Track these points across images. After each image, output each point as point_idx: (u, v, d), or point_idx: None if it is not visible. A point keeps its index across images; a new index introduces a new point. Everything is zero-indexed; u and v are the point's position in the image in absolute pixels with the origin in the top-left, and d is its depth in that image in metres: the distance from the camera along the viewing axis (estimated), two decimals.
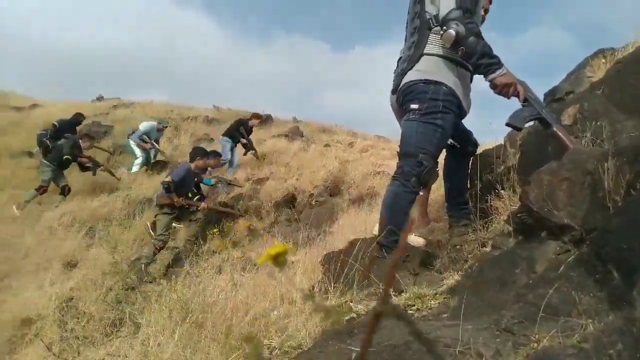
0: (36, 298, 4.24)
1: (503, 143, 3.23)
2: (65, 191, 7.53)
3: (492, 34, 2.30)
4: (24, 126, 10.68)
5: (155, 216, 5.40)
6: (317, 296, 2.14)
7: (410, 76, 2.33)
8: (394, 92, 2.50)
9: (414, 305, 1.76)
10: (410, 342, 1.22)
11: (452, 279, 2.00)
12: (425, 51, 2.32)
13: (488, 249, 2.16)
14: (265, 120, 13.28)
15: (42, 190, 7.34)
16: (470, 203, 2.73)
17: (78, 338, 3.41)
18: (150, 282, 4.46)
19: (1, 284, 4.92)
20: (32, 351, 3.18)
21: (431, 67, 2.30)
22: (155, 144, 9.06)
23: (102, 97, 16.24)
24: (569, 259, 1.51)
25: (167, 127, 9.84)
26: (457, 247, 2.43)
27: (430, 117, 2.25)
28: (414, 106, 2.27)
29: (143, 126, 8.90)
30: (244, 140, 8.38)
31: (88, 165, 7.97)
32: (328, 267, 2.52)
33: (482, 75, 2.28)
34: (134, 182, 7.95)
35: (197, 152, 5.85)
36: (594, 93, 2.56)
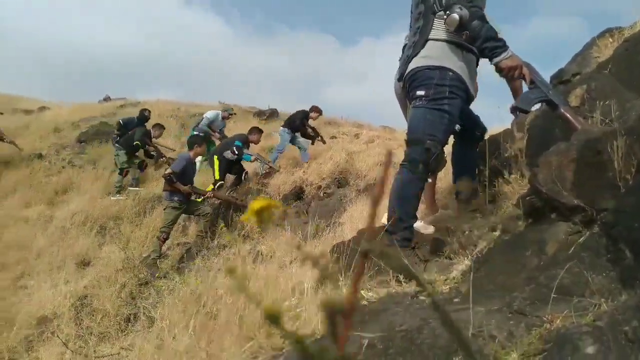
0: (51, 297, 4.29)
1: (510, 127, 3.21)
2: (124, 173, 7.95)
3: (496, 17, 2.26)
4: (34, 129, 10.78)
5: (164, 209, 5.51)
6: (328, 285, 2.15)
7: (416, 62, 2.31)
8: (399, 79, 2.48)
9: (424, 292, 1.76)
10: (422, 327, 1.22)
11: (462, 264, 1.99)
12: (430, 36, 2.30)
13: (497, 233, 2.15)
14: (270, 115, 13.28)
15: (125, 172, 7.90)
16: (479, 188, 2.72)
17: (94, 334, 3.46)
18: (163, 277, 4.51)
19: (17, 284, 4.99)
20: (50, 349, 3.22)
21: (437, 53, 2.28)
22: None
23: (109, 97, 16.33)
24: (580, 240, 1.50)
25: (233, 114, 9.42)
26: (467, 232, 2.42)
27: (437, 103, 2.23)
28: (420, 93, 2.26)
29: (209, 115, 8.61)
30: (310, 131, 8.35)
31: (153, 153, 8.42)
32: (338, 257, 2.53)
33: (488, 59, 2.26)
34: (144, 179, 8.01)
35: (195, 140, 6.08)
36: (601, 73, 2.53)
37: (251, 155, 7.12)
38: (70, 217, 6.63)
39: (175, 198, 5.37)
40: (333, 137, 9.84)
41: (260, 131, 7.64)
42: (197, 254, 4.83)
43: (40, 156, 9.28)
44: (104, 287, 4.27)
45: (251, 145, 7.34)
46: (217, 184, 6.59)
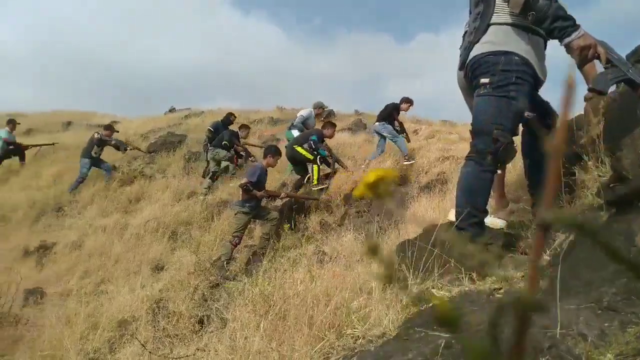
0: (130, 301, 4.52)
1: (584, 112, 3.00)
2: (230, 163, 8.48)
3: None
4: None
5: (235, 214, 5.69)
6: (397, 285, 2.10)
7: (478, 49, 2.20)
8: (460, 68, 2.38)
9: (501, 289, 1.67)
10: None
11: (541, 259, 1.88)
12: (492, 21, 2.19)
13: None
14: (327, 115, 13.32)
15: (215, 177, 8.29)
16: None
17: (170, 336, 3.60)
18: (232, 279, 4.64)
19: (98, 289, 5.32)
20: (130, 350, 3.39)
21: (500, 37, 2.17)
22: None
23: (174, 108, 17.10)
24: None
25: (326, 108, 9.42)
26: None
27: (503, 90, 2.12)
28: (484, 80, 2.15)
29: (303, 113, 8.64)
30: (397, 125, 8.15)
31: (242, 154, 8.84)
32: (404, 255, 2.47)
33: (557, 40, 2.11)
34: (209, 186, 8.29)
35: (268, 151, 6.20)
36: None
37: (325, 151, 7.19)
38: (144, 224, 6.98)
39: (247, 204, 5.55)
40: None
41: (334, 125, 7.69)
42: (263, 255, 4.93)
43: (113, 167, 9.88)
44: (177, 290, 4.45)
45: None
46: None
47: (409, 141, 8.36)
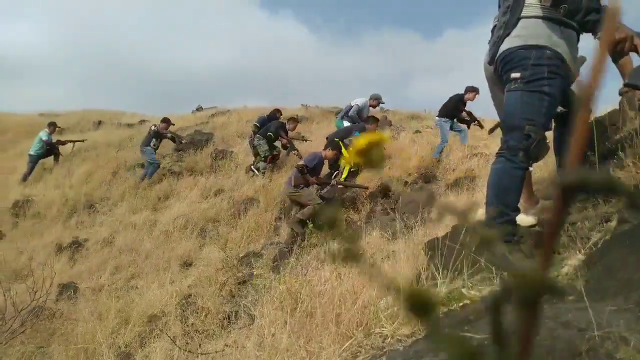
0: (159, 296, 4.61)
1: (619, 107, 2.89)
2: (267, 160, 8.52)
3: None
4: (136, 140, 11.72)
5: (289, 194, 6.06)
6: (425, 284, 2.08)
7: (509, 43, 2.15)
8: (490, 62, 2.33)
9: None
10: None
11: (575, 258, 1.82)
12: (522, 14, 2.13)
13: (614, 223, 1.94)
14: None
15: (268, 159, 8.48)
16: None
17: (198, 332, 3.66)
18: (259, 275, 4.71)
19: (128, 285, 5.44)
20: (159, 345, 3.45)
21: (531, 31, 2.11)
22: None
23: (202, 107, 17.29)
24: None
25: (383, 103, 9.19)
26: (577, 224, 2.21)
27: (535, 84, 2.06)
28: (515, 75, 2.10)
29: (359, 102, 8.39)
30: (465, 115, 7.99)
31: (287, 145, 8.91)
32: (433, 254, 2.44)
33: (591, 33, 2.04)
34: (236, 183, 8.38)
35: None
36: None
37: None
38: (173, 221, 7.10)
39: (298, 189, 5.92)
40: (417, 132, 9.59)
41: (376, 120, 7.69)
42: (289, 252, 4.95)
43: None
44: (206, 286, 4.52)
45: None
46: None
47: (481, 127, 8.13)
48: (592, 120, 2.65)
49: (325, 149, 6.42)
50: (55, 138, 11.43)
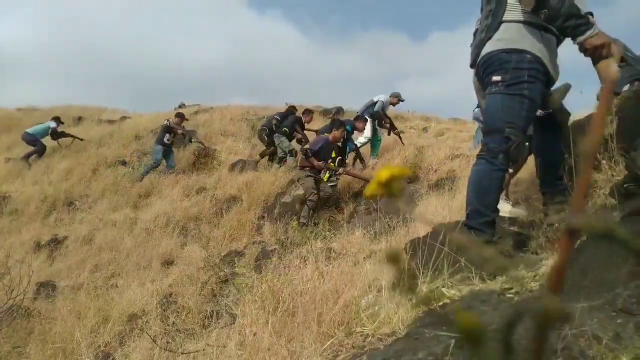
0: (139, 295, 4.56)
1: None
2: (294, 154, 8.46)
3: None
4: (117, 137, 11.56)
5: (298, 180, 6.14)
6: (406, 283, 2.10)
7: (490, 46, 2.19)
8: (472, 65, 2.37)
9: (512, 289, 1.66)
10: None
11: (552, 259, 1.86)
12: (504, 18, 2.17)
13: None
14: (335, 112, 13.28)
15: (295, 153, 8.33)
16: (565, 178, 2.53)
17: (179, 331, 3.63)
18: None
19: (108, 283, 5.37)
20: (140, 344, 3.41)
21: (512, 35, 2.15)
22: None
23: (184, 104, 17.08)
24: None
25: (403, 100, 9.00)
26: (554, 225, 2.26)
27: (515, 87, 2.10)
28: (496, 78, 2.14)
29: (382, 98, 8.26)
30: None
31: (302, 140, 8.80)
32: (414, 253, 2.46)
33: (570, 38, 2.09)
34: (218, 181, 8.32)
35: (334, 125, 6.66)
36: None
37: (353, 145, 7.30)
38: (154, 219, 7.03)
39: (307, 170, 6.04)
40: (401, 132, 9.68)
41: (366, 119, 7.75)
42: (272, 252, 4.94)
43: (124, 163, 9.93)
44: (187, 285, 4.49)
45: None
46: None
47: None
48: (570, 124, 2.71)
49: (331, 131, 6.51)
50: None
